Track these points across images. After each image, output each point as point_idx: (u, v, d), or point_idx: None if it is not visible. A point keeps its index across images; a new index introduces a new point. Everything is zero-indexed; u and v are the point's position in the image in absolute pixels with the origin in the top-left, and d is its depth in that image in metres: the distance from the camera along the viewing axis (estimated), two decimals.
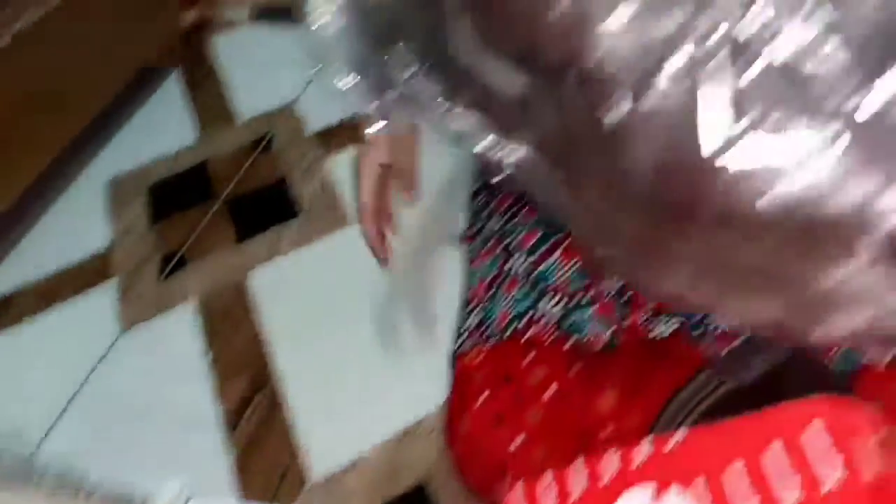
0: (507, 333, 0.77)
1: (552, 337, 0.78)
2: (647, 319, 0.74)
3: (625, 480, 0.55)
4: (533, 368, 0.75)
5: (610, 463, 0.57)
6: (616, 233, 0.40)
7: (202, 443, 0.98)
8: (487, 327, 0.79)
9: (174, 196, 1.38)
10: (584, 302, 0.76)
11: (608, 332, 0.74)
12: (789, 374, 0.53)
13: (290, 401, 1.01)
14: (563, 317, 0.78)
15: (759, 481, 0.49)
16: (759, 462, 0.49)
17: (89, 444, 0.99)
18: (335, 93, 1.47)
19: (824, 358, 0.69)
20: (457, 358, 0.80)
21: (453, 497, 0.89)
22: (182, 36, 1.73)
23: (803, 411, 0.50)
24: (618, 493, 0.55)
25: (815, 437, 0.48)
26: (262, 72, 1.65)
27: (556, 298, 0.80)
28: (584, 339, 0.76)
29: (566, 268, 0.81)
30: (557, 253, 0.82)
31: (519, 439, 0.71)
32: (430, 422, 0.95)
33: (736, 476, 0.50)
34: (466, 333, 0.81)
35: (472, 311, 0.82)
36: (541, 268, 0.81)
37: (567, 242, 0.82)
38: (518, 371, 0.74)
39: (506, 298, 0.81)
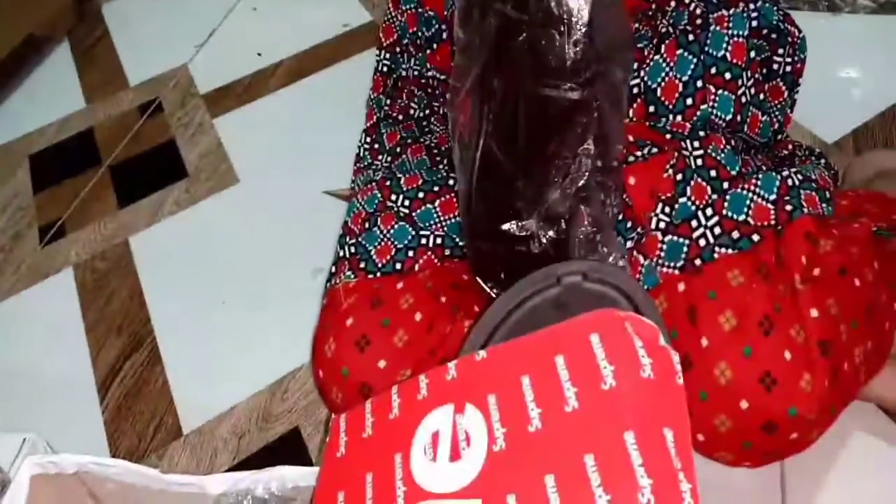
0: (389, 268, 0.79)
1: (438, 263, 0.80)
2: None
3: (431, 400, 0.57)
4: (404, 293, 0.76)
5: (422, 383, 0.59)
6: None
7: (75, 404, 0.98)
8: (364, 260, 0.80)
9: (57, 165, 1.34)
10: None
11: None
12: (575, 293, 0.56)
13: (167, 359, 1.01)
14: (444, 241, 0.80)
15: (543, 394, 0.52)
16: (544, 376, 0.52)
17: None
18: (227, 55, 1.44)
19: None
20: (329, 287, 0.81)
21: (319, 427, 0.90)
22: (72, 3, 1.68)
23: (582, 328, 0.52)
24: (424, 412, 0.57)
25: (592, 349, 0.51)
26: (153, 37, 1.61)
27: (438, 235, 0.81)
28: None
29: (443, 218, 0.83)
30: (437, 203, 0.83)
31: (383, 363, 0.73)
32: (305, 371, 0.96)
33: (523, 391, 0.52)
34: (340, 263, 0.82)
35: (346, 243, 0.83)
36: (419, 211, 0.83)
37: (447, 197, 0.83)
38: (389, 295, 0.75)
39: (383, 233, 0.82)
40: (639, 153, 0.75)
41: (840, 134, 1.08)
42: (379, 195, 0.85)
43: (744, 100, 0.77)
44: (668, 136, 0.75)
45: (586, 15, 0.59)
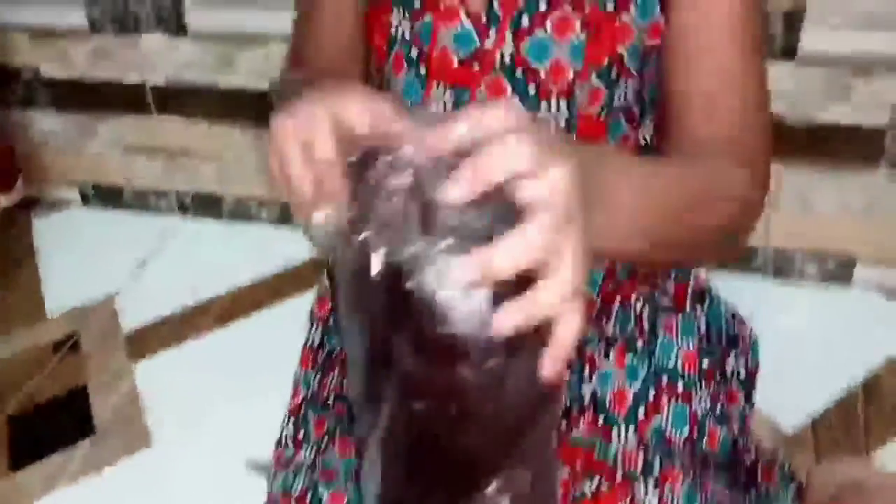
0: None
1: None
2: None
3: None
4: None
5: None
6: None
7: None
8: None
9: None
10: None
11: None
12: None
13: None
14: None
15: None
16: None
17: None
18: (159, 288, 1.35)
19: None
20: None
21: None
22: (1, 212, 1.61)
23: None
24: None
25: None
26: (85, 259, 1.54)
27: None
28: None
29: None
30: None
31: None
32: None
33: None
34: None
35: None
36: None
37: None
38: None
39: None
40: (587, 488, 0.69)
41: (798, 422, 1.04)
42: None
43: (699, 413, 0.73)
44: (619, 474, 0.69)
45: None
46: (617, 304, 0.77)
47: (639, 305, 0.77)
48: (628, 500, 0.67)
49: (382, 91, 0.69)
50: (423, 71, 0.66)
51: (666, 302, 0.78)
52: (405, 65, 0.67)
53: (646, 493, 0.68)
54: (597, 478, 0.69)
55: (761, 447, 0.84)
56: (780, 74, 1.14)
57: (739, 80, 0.62)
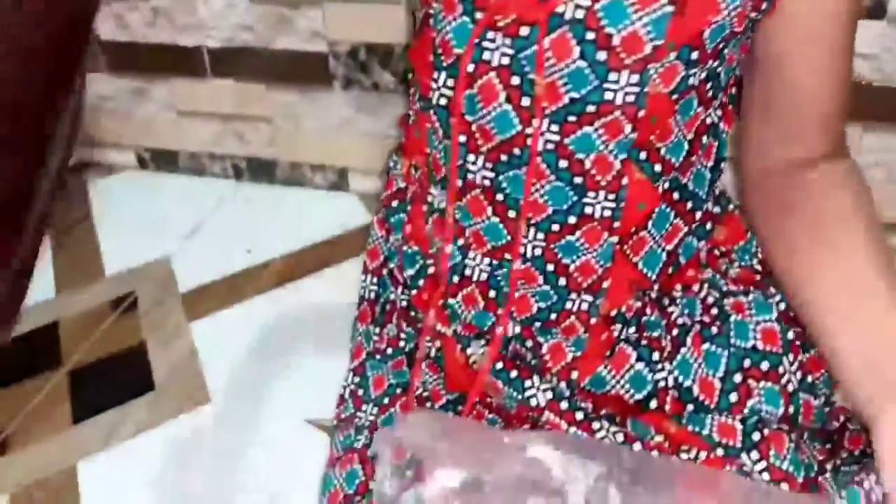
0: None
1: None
2: None
3: None
4: None
5: None
6: None
7: None
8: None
9: (12, 363, 1.22)
10: None
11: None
12: None
13: None
14: None
15: None
16: None
17: None
18: (214, 250, 1.34)
19: None
20: None
21: None
22: (55, 177, 1.61)
23: None
24: None
25: None
26: (140, 221, 1.53)
27: None
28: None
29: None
30: None
31: None
32: None
33: None
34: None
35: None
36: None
37: None
38: None
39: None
40: (685, 456, 0.66)
41: None
42: (360, 472, 0.74)
43: (791, 388, 0.69)
44: (719, 450, 0.66)
45: None
46: (679, 289, 0.72)
47: (704, 290, 0.72)
48: (734, 467, 0.64)
49: (426, 32, 0.62)
50: (478, 15, 0.58)
51: (730, 286, 0.73)
52: (458, 4, 0.57)
53: (752, 466, 0.65)
54: (694, 450, 0.66)
55: (848, 413, 0.80)
56: (867, 35, 1.09)
57: (843, 61, 0.64)
